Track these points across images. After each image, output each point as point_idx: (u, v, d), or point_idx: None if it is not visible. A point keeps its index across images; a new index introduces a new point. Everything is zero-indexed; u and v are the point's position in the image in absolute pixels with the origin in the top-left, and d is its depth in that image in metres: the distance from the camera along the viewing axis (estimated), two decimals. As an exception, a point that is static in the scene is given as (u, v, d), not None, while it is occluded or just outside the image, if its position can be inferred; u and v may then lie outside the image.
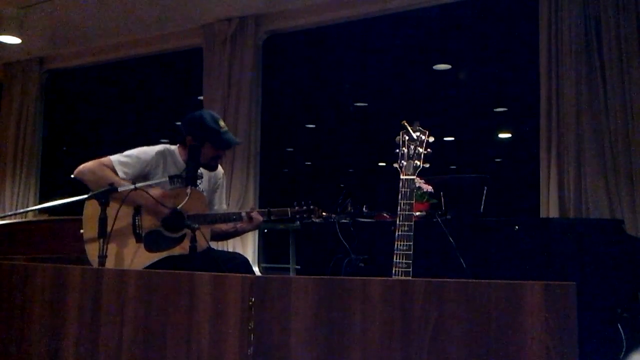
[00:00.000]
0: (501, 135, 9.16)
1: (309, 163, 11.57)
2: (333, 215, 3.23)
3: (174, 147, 2.85)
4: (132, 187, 2.47)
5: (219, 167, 3.03)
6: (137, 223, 2.62)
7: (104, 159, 2.69)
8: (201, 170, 2.73)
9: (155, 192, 2.61)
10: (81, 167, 2.67)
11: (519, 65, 5.70)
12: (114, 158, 2.70)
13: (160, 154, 2.78)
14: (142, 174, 2.72)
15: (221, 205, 3.03)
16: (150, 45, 5.76)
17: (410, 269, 1.93)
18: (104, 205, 2.31)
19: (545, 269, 2.78)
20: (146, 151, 2.77)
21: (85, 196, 2.46)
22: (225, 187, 3.10)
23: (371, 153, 9.55)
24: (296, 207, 2.77)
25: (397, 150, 2.09)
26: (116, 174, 2.66)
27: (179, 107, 7.48)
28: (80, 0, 4.92)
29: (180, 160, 2.81)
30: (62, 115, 8.01)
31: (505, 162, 10.09)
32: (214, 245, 2.98)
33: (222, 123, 2.84)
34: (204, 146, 2.76)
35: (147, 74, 7.11)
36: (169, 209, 2.60)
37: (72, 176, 2.67)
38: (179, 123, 2.94)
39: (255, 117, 5.04)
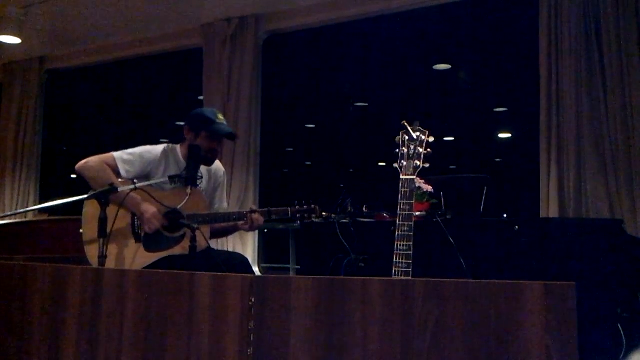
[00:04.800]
0: (501, 135, 9.16)
1: (309, 163, 11.57)
2: (333, 215, 3.23)
3: (176, 146, 2.86)
4: (132, 187, 2.47)
5: (220, 165, 3.03)
6: (136, 223, 2.62)
7: (107, 156, 2.69)
8: (201, 171, 2.73)
9: (155, 195, 2.61)
10: (83, 162, 2.66)
11: (519, 65, 5.69)
12: (117, 155, 2.69)
13: (164, 153, 2.78)
14: (144, 173, 2.72)
15: (222, 204, 3.03)
16: (150, 45, 5.75)
17: (410, 269, 1.93)
18: (104, 205, 2.31)
19: (545, 269, 2.77)
20: (149, 150, 2.78)
21: (85, 196, 2.46)
22: (225, 186, 3.10)
23: (371, 153, 9.54)
24: (297, 207, 2.76)
25: (397, 150, 2.09)
26: (118, 171, 2.66)
27: (179, 107, 7.48)
28: (80, 0, 4.91)
29: (182, 159, 2.81)
30: (62, 115, 8.00)
31: (505, 162, 10.09)
32: (213, 245, 2.98)
33: (220, 117, 2.84)
34: (199, 136, 2.78)
35: (147, 74, 7.10)
36: (159, 222, 2.61)
37: (75, 169, 2.67)
38: (180, 123, 2.95)
39: (255, 117, 5.03)
